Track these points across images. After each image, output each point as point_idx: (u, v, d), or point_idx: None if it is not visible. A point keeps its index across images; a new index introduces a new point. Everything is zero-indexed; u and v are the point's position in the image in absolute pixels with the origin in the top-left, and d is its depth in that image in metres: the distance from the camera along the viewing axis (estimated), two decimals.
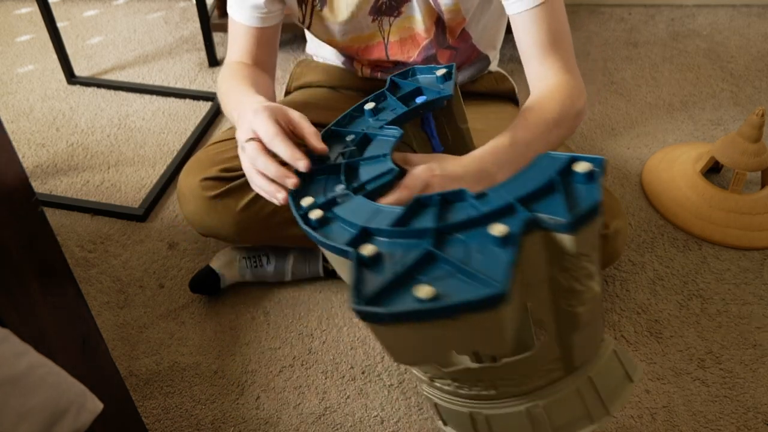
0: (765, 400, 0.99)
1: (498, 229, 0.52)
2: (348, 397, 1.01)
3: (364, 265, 0.54)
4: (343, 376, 1.04)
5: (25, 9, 2.18)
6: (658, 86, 1.71)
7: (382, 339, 0.54)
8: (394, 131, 0.73)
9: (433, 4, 0.99)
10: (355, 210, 0.63)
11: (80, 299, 0.71)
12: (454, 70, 0.78)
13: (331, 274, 1.19)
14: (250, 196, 1.02)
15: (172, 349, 1.10)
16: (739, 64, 1.79)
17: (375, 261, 0.55)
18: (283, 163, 0.71)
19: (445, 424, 0.74)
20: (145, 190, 1.42)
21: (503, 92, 1.17)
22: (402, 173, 0.70)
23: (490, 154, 0.75)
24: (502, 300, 0.47)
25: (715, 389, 1.00)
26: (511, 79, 1.19)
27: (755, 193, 1.31)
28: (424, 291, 0.49)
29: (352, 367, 1.06)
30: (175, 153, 1.52)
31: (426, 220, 0.59)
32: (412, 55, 1.05)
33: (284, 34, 1.95)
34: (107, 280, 1.22)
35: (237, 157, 1.05)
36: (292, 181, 0.69)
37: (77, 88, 1.77)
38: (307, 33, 1.20)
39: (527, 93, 0.91)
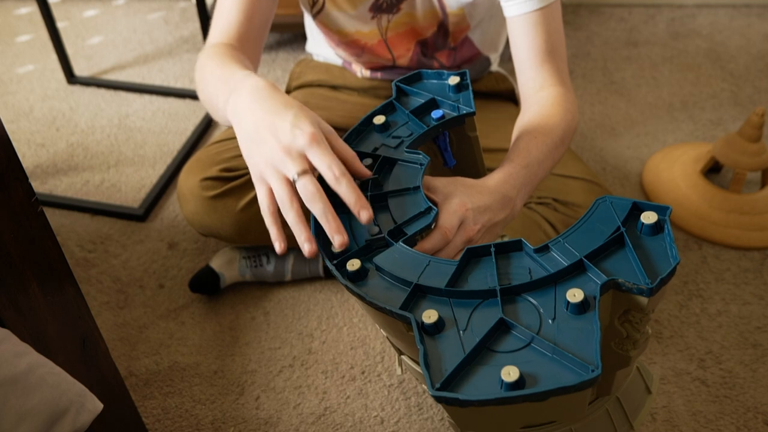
0: (765, 400, 0.99)
1: (576, 295, 0.48)
2: (348, 397, 1.01)
3: (426, 333, 0.50)
4: (343, 376, 1.04)
5: (25, 9, 2.18)
6: (658, 86, 1.71)
7: (453, 413, 0.51)
8: (420, 157, 0.65)
9: (438, 6, 0.99)
10: (399, 261, 0.56)
11: (80, 299, 0.71)
12: (468, 80, 0.71)
13: (331, 274, 1.19)
14: (250, 196, 1.02)
15: (172, 349, 1.10)
16: (740, 64, 1.79)
17: (438, 328, 0.50)
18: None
19: None
20: (145, 190, 1.42)
21: (503, 92, 1.17)
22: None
23: (509, 176, 0.72)
24: (596, 382, 0.44)
25: (715, 389, 1.00)
26: (511, 78, 1.19)
27: (755, 193, 1.31)
28: (509, 374, 0.45)
29: (352, 367, 1.06)
30: (175, 153, 1.52)
31: (485, 277, 0.54)
32: (410, 47, 1.05)
33: (284, 34, 1.95)
34: (107, 280, 1.22)
35: (237, 157, 1.06)
36: (341, 241, 0.58)
37: (77, 88, 1.77)
38: (307, 30, 1.20)
39: None
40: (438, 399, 0.45)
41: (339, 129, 0.79)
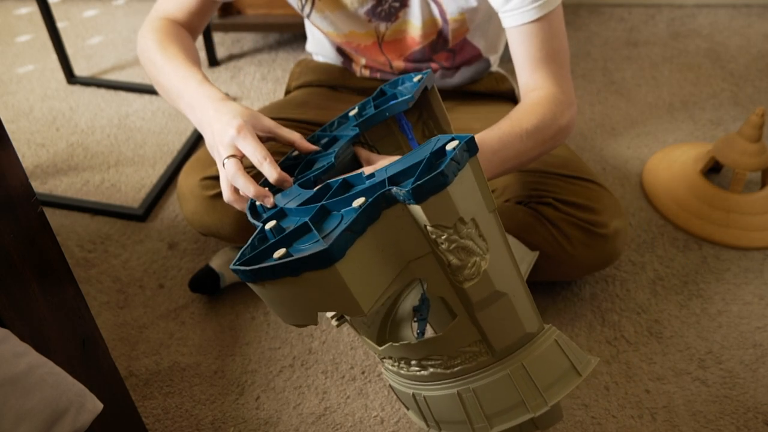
0: (765, 400, 0.99)
1: (358, 201, 0.58)
2: (348, 397, 1.01)
3: (265, 236, 0.62)
4: (343, 376, 1.04)
5: (25, 9, 2.18)
6: (658, 86, 1.71)
7: (264, 300, 0.61)
8: (352, 132, 0.80)
9: (438, 14, 0.99)
10: (287, 194, 0.72)
11: (80, 299, 0.71)
12: (425, 76, 0.81)
13: None
14: None
15: (172, 349, 1.10)
16: (740, 63, 1.79)
17: (275, 234, 0.62)
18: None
19: (408, 409, 0.76)
20: (145, 190, 1.42)
21: (503, 92, 1.17)
22: (350, 165, 0.80)
23: None
24: (330, 258, 0.52)
25: (715, 389, 1.00)
26: (511, 79, 1.19)
27: (755, 193, 1.31)
28: (278, 253, 0.56)
29: (352, 367, 1.06)
30: (175, 153, 1.52)
31: (322, 199, 0.65)
32: (405, 53, 1.05)
33: (284, 34, 1.95)
34: (107, 280, 1.22)
35: None
36: (270, 201, 0.72)
37: (77, 88, 1.77)
38: (307, 30, 1.20)
39: None
40: (234, 272, 0.58)
41: None
